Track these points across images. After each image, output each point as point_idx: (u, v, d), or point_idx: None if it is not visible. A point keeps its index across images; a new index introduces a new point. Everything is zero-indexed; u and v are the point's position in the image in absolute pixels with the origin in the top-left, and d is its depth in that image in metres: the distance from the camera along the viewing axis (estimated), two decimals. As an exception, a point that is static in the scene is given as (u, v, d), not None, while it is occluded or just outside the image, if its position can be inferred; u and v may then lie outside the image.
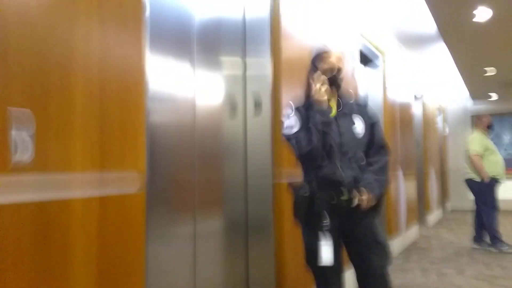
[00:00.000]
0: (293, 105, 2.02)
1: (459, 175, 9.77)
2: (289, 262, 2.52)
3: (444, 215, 8.60)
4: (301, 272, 2.66)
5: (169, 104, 1.98)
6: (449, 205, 9.69)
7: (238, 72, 2.54)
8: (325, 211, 1.87)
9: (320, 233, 1.87)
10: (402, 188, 5.37)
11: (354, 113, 2.03)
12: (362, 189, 1.91)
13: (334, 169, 1.90)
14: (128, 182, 1.51)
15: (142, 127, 1.58)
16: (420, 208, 6.72)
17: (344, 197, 1.90)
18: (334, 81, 1.97)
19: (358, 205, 1.91)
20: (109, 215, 1.43)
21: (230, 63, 2.50)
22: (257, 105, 2.49)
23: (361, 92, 4.46)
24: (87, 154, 1.37)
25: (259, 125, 2.49)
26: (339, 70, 1.99)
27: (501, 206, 5.26)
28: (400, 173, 5.30)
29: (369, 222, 2.01)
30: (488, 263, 4.35)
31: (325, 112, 1.91)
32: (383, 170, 2.03)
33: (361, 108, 2.09)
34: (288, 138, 1.95)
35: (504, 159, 9.28)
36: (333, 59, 2.00)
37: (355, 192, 1.91)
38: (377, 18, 4.58)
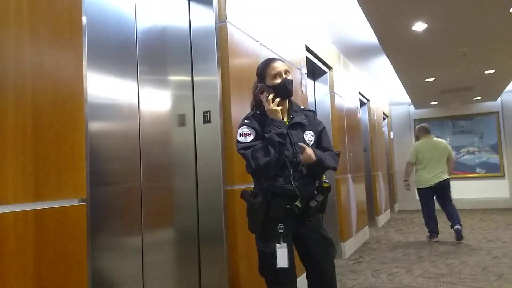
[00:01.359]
0: (247, 116, 2.05)
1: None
2: (242, 270, 2.51)
3: (392, 216, 8.97)
4: (255, 279, 2.66)
5: (112, 119, 1.92)
6: (396, 206, 10.13)
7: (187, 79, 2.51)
8: (280, 217, 1.94)
9: (276, 238, 1.93)
10: (352, 192, 5.55)
11: (304, 123, 2.09)
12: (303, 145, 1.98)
13: (288, 181, 1.96)
14: (67, 195, 1.44)
15: (82, 144, 1.50)
16: (370, 210, 6.97)
17: (298, 203, 1.98)
18: (284, 88, 2.02)
19: (310, 208, 1.99)
20: (47, 228, 1.35)
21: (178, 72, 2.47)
22: (206, 117, 2.47)
23: (309, 101, 4.59)
24: (19, 183, 1.28)
25: (209, 133, 2.47)
26: (286, 73, 2.05)
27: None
28: (349, 177, 5.47)
29: (318, 220, 2.11)
30: (434, 261, 4.57)
31: (280, 123, 1.96)
32: (334, 156, 2.13)
33: (310, 117, 2.16)
34: (244, 148, 1.94)
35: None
36: (278, 64, 2.07)
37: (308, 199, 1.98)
38: (321, 32, 4.74)
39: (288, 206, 1.94)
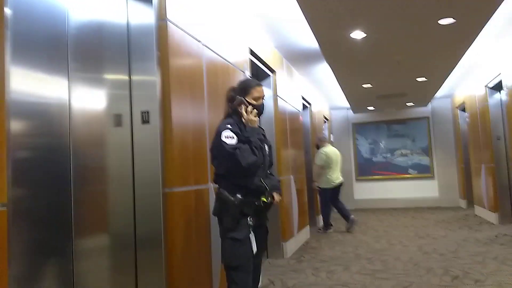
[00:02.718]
0: (227, 122, 2.41)
1: (343, 178, 10.69)
2: (181, 275, 2.46)
3: (332, 215, 9.26)
4: (195, 284, 2.62)
5: (38, 117, 1.80)
6: (337, 207, 10.49)
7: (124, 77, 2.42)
8: (250, 212, 2.35)
9: (246, 228, 2.33)
10: (294, 193, 5.66)
11: (263, 136, 2.56)
12: (275, 192, 2.50)
13: (260, 178, 2.42)
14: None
15: (2, 145, 1.38)
16: (311, 211, 7.15)
17: (264, 199, 2.40)
18: (262, 108, 2.53)
19: (270, 204, 2.45)
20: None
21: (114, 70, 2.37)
22: (144, 117, 2.39)
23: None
24: None
25: (147, 134, 2.39)
26: (263, 98, 2.54)
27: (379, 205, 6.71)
28: (291, 178, 5.58)
29: (266, 215, 2.56)
30: (370, 258, 4.78)
31: (259, 130, 2.48)
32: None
33: (264, 133, 2.63)
34: (233, 148, 2.26)
35: (380, 163, 10.52)
36: (262, 89, 2.54)
37: (271, 196, 2.45)
38: (265, 36, 4.79)
39: (256, 203, 2.36)
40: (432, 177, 10.27)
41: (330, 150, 7.00)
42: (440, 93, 8.96)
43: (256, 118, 2.45)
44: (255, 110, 2.44)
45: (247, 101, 2.45)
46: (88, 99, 2.15)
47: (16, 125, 1.62)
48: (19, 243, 1.54)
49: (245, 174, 2.34)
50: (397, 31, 4.56)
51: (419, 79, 6.99)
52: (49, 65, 1.89)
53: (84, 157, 2.05)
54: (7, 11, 1.45)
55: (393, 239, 5.93)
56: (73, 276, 1.88)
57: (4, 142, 1.38)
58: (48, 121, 1.86)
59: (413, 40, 4.89)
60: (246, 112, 2.42)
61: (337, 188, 6.93)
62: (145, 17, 2.45)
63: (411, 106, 10.04)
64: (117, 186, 2.30)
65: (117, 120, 2.35)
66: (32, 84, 1.77)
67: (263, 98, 2.53)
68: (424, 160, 10.35)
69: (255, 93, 2.49)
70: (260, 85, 2.56)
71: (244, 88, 2.51)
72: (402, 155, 10.53)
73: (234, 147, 2.26)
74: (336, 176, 6.90)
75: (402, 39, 4.85)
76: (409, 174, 10.43)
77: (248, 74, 4.03)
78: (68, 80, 2.01)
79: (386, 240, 5.92)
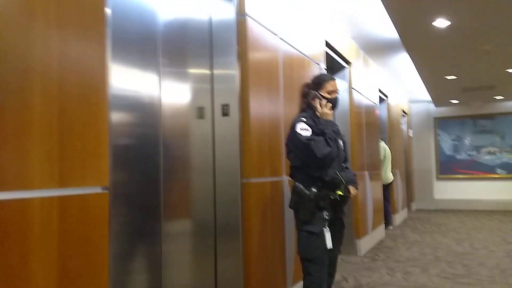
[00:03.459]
0: (302, 115, 2.45)
1: (423, 176, 10.16)
2: (256, 262, 2.54)
3: (409, 214, 8.87)
4: (270, 272, 2.69)
5: (134, 110, 1.96)
6: (414, 205, 10.01)
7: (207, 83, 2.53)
8: (326, 205, 2.34)
9: (321, 222, 2.33)
10: (369, 189, 5.50)
11: (338, 131, 2.57)
12: (351, 186, 2.46)
13: (336, 171, 2.41)
14: (91, 182, 1.48)
15: (105, 133, 1.53)
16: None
17: (340, 192, 2.38)
18: (336, 102, 2.55)
19: (346, 197, 2.43)
20: (71, 215, 1.40)
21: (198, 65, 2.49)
22: (225, 110, 2.50)
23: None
24: (45, 169, 1.32)
25: (227, 126, 2.49)
26: (337, 92, 2.56)
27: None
28: (366, 174, 5.43)
29: (342, 210, 2.54)
30: (450, 261, 4.51)
31: (334, 124, 2.50)
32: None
33: (339, 128, 2.63)
34: (308, 139, 2.30)
35: (464, 161, 9.82)
36: (335, 83, 2.55)
37: (346, 189, 2.43)
38: (341, 27, 4.69)
39: (331, 197, 2.34)
40: (523, 178, 9.35)
41: (384, 146, 6.78)
42: (536, 85, 8.10)
43: (330, 112, 2.48)
44: (329, 104, 2.48)
45: (321, 95, 2.49)
46: (175, 93, 2.30)
47: (115, 117, 1.78)
48: (117, 224, 1.70)
49: (320, 166, 2.35)
50: (486, 18, 4.21)
51: (510, 70, 6.39)
52: (142, 61, 2.04)
53: (172, 147, 2.19)
54: (107, 10, 1.60)
55: (477, 243, 5.52)
56: (161, 256, 2.03)
57: (106, 131, 1.54)
58: (142, 114, 2.02)
59: (504, 28, 4.47)
60: (320, 105, 2.46)
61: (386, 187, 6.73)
62: (226, 12, 2.55)
63: (500, 100, 9.20)
64: (199, 175, 2.43)
65: (200, 113, 2.48)
66: (128, 79, 1.94)
67: (337, 92, 2.56)
68: (515, 159, 9.45)
69: (329, 87, 2.52)
70: (333, 79, 2.59)
71: (318, 83, 2.55)
72: (490, 153, 9.70)
73: (309, 138, 2.30)
74: (387, 175, 6.72)
75: (492, 27, 4.46)
76: (497, 174, 9.59)
77: (323, 66, 3.99)
78: (159, 75, 2.15)
79: (469, 243, 5.53)
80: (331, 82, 2.54)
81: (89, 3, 1.54)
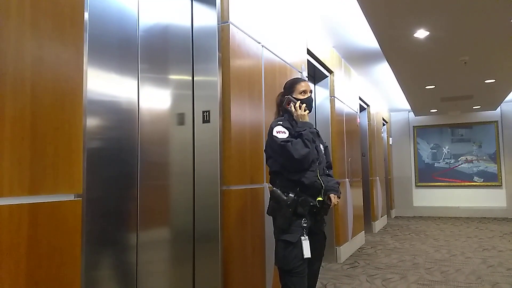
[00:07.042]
0: (278, 119, 2.43)
1: (402, 183, 10.31)
2: (236, 270, 2.51)
3: (389, 221, 8.97)
4: (249, 280, 2.66)
5: (110, 116, 1.92)
6: (393, 212, 10.14)
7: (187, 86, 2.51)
8: (305, 212, 2.27)
9: (299, 230, 2.25)
10: (349, 196, 5.54)
11: (317, 133, 2.52)
12: (333, 193, 2.38)
13: (316, 175, 2.34)
14: (63, 190, 1.44)
15: (80, 140, 1.49)
16: (366, 216, 6.97)
17: (320, 199, 2.33)
18: (310, 102, 2.50)
19: (327, 206, 2.35)
20: (42, 222, 1.35)
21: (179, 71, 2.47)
22: (206, 117, 2.48)
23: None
24: (15, 176, 1.28)
25: (208, 133, 2.47)
26: (310, 92, 2.52)
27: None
28: (347, 182, 5.47)
29: (323, 220, 2.45)
30: (429, 268, 4.57)
31: (311, 125, 2.40)
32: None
33: (318, 132, 2.57)
34: (285, 141, 2.26)
35: (442, 168, 10.01)
36: (306, 83, 2.54)
37: (327, 195, 2.36)
38: (323, 37, 4.74)
39: (311, 203, 2.28)
40: (499, 186, 9.58)
41: None
42: (511, 96, 8.34)
43: (306, 112, 2.45)
44: (304, 105, 2.45)
45: (294, 97, 2.48)
46: (154, 99, 2.27)
47: (91, 122, 1.74)
48: (91, 232, 1.66)
49: (299, 168, 2.29)
50: (464, 30, 4.31)
51: (487, 81, 6.56)
52: (121, 66, 2.01)
53: (150, 153, 2.16)
54: (86, 14, 1.57)
55: (455, 250, 5.62)
56: (136, 265, 1.98)
57: (81, 137, 1.50)
58: (119, 119, 1.98)
59: (482, 40, 4.59)
60: (295, 108, 2.44)
61: None
62: (208, 19, 2.54)
63: (478, 109, 9.44)
64: (178, 181, 2.39)
65: (180, 119, 2.45)
66: (105, 84, 1.90)
67: (310, 92, 2.53)
68: (491, 167, 9.69)
69: (301, 88, 2.51)
70: (304, 80, 2.58)
71: (289, 86, 2.56)
72: (467, 161, 9.92)
73: (285, 140, 2.26)
74: None
75: (470, 38, 4.58)
76: (475, 182, 9.81)
77: (305, 74, 4.01)
78: (137, 80, 2.12)
79: (447, 250, 5.62)
80: (302, 83, 2.53)
81: (67, 6, 1.50)
